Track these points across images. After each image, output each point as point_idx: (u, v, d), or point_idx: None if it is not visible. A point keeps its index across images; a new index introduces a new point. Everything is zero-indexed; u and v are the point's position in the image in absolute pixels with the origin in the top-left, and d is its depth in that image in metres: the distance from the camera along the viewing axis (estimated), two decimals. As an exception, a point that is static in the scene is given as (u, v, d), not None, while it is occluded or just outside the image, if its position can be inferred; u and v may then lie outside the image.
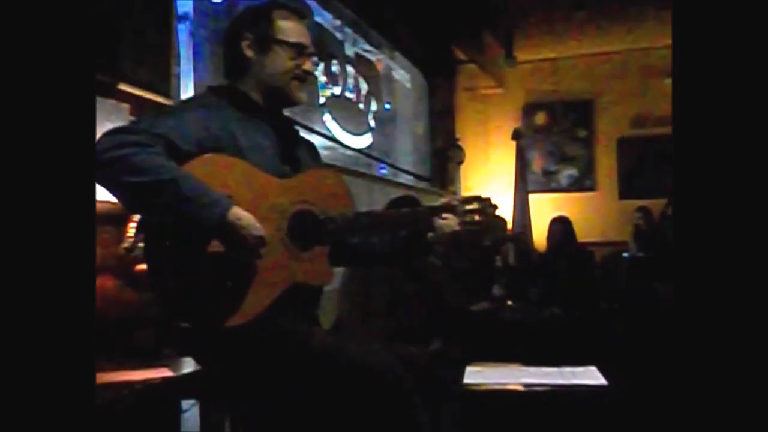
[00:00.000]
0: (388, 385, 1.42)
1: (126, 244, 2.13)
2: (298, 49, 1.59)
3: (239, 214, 1.36)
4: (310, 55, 1.62)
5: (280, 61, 1.58)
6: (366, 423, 1.43)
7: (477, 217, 1.59)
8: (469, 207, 1.61)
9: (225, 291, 1.39)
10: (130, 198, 1.37)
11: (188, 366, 1.99)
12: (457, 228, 1.59)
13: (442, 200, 1.65)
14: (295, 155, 1.63)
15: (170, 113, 1.53)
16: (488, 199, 1.63)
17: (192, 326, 1.42)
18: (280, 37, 1.58)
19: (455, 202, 1.62)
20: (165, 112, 1.57)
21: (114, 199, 2.17)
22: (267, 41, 1.58)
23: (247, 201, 1.40)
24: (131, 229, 2.12)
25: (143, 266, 2.13)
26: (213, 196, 1.35)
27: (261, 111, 1.59)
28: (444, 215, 1.60)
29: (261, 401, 1.50)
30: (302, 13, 1.66)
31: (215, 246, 1.37)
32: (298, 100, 1.63)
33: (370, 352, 1.48)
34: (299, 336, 1.48)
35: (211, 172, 1.39)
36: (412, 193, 2.18)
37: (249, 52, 1.58)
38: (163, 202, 1.32)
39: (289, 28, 1.59)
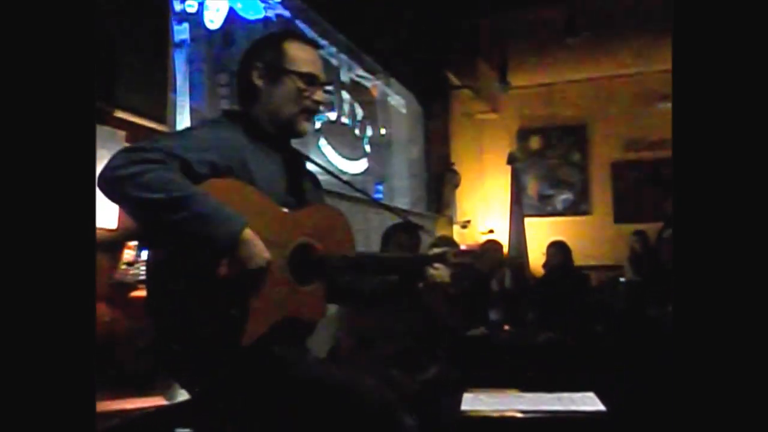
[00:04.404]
0: (376, 412, 1.41)
1: (121, 271, 2.12)
2: (309, 80, 1.58)
3: (252, 234, 1.35)
4: (323, 85, 1.60)
5: (289, 91, 1.56)
6: None
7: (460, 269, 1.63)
8: (459, 260, 1.63)
9: (227, 316, 1.37)
10: (144, 215, 1.35)
11: (182, 394, 1.97)
12: (446, 280, 1.61)
13: (436, 250, 1.66)
14: (300, 187, 1.63)
15: (186, 135, 1.52)
16: (485, 250, 1.67)
17: (187, 350, 1.40)
18: (290, 67, 1.57)
19: (448, 254, 1.64)
20: (181, 134, 1.56)
21: (108, 226, 2.17)
22: (277, 71, 1.57)
23: (254, 228, 1.38)
24: (126, 258, 2.11)
25: (137, 293, 2.12)
26: (228, 213, 1.34)
27: (271, 139, 1.58)
28: (435, 265, 1.62)
29: (250, 426, 1.48)
30: (316, 43, 1.66)
31: (220, 269, 1.35)
32: (301, 132, 1.61)
33: (358, 378, 1.47)
34: (288, 362, 1.47)
35: (222, 195, 1.38)
36: (409, 218, 2.20)
37: (259, 81, 1.57)
38: (178, 219, 1.30)
39: (300, 58, 1.58)
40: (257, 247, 1.35)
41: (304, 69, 1.57)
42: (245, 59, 1.61)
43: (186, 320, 1.37)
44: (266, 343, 1.41)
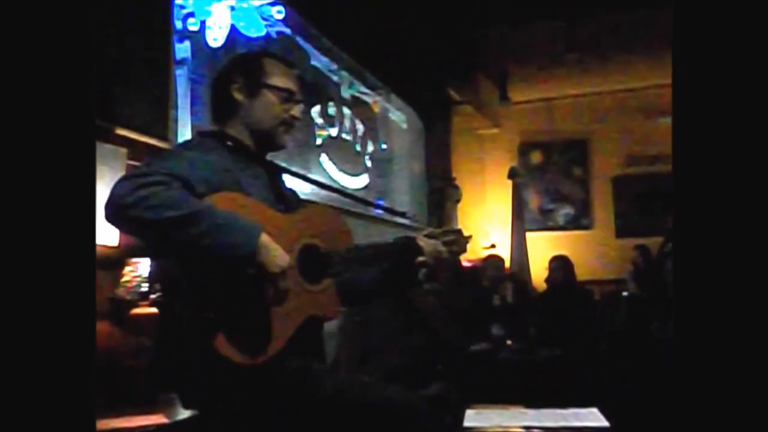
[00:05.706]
0: (407, 423, 1.41)
1: (121, 288, 2.12)
2: (287, 95, 1.62)
3: (269, 238, 1.37)
4: (298, 102, 1.65)
5: (269, 105, 1.60)
6: None
7: (454, 247, 1.69)
8: (446, 238, 1.70)
9: (252, 326, 1.38)
10: (161, 235, 1.34)
11: (183, 412, 1.96)
12: (443, 249, 1.68)
13: (423, 232, 1.72)
14: (285, 196, 1.66)
15: (175, 156, 1.52)
16: (461, 231, 1.73)
17: (207, 365, 1.39)
18: (270, 81, 1.60)
19: (434, 231, 1.72)
20: (169, 156, 1.56)
21: (108, 243, 2.17)
22: (257, 85, 1.60)
23: None
24: (127, 275, 2.11)
25: (138, 311, 2.12)
26: (244, 221, 1.36)
27: (251, 154, 1.61)
28: (429, 241, 1.68)
29: None
30: (291, 63, 1.70)
31: (239, 278, 1.36)
32: (283, 144, 1.65)
33: (386, 389, 1.47)
34: (313, 375, 1.47)
35: (226, 207, 1.39)
36: (409, 233, 2.22)
37: (238, 96, 1.60)
38: (197, 232, 1.31)
39: (279, 74, 1.62)
40: (277, 250, 1.37)
41: (283, 84, 1.61)
42: (223, 75, 1.64)
43: (207, 334, 1.36)
44: (288, 354, 1.41)
